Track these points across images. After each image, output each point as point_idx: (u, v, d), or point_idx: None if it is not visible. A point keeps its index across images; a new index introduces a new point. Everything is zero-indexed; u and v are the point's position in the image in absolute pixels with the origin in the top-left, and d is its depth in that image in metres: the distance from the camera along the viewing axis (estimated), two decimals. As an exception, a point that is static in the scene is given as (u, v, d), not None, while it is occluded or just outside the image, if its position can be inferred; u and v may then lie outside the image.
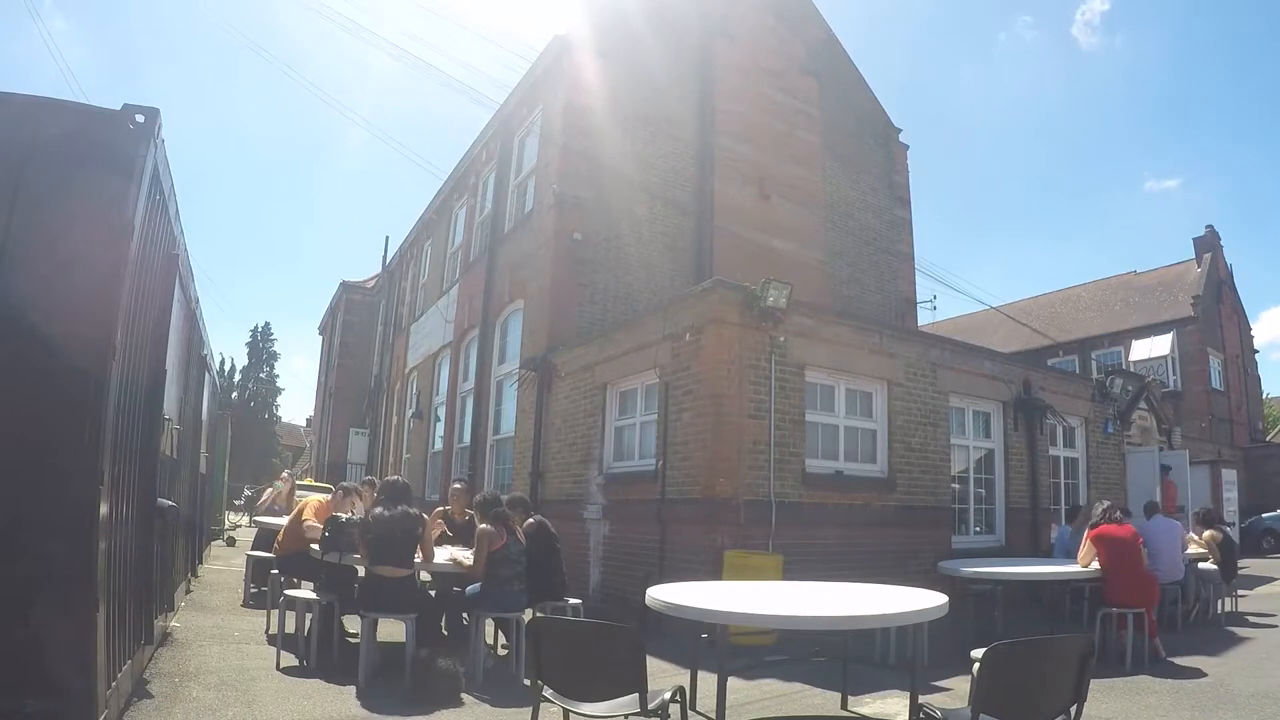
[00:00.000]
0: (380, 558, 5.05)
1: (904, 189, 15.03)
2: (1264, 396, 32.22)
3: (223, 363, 43.91)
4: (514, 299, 12.09)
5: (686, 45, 12.37)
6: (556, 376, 10.11)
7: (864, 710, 4.70)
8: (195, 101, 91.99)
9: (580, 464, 9.25)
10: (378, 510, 5.23)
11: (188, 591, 7.56)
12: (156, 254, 3.97)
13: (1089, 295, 28.32)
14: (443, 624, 6.04)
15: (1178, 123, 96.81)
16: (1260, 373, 29.91)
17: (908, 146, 15.27)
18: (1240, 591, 9.06)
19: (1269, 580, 11.84)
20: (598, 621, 3.78)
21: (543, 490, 9.89)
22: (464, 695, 4.71)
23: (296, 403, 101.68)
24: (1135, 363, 23.12)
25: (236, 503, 23.30)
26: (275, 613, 6.01)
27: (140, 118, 3.21)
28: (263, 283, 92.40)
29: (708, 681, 4.18)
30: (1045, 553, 9.14)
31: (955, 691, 4.92)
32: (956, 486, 9.19)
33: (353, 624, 5.75)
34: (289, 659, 5.34)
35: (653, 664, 3.43)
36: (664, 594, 3.98)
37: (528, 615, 5.04)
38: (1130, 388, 12.80)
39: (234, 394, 45.43)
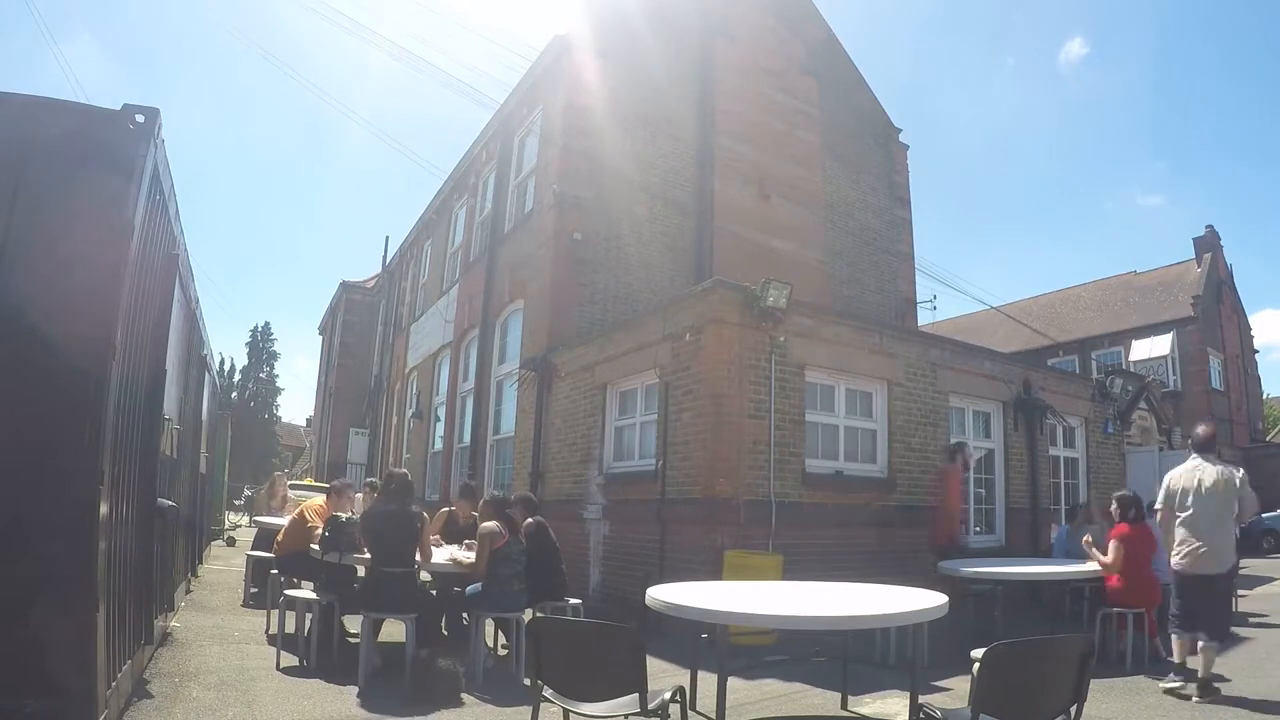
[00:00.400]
0: (380, 555, 5.05)
1: (904, 189, 15.03)
2: (1264, 396, 32.23)
3: (223, 363, 43.95)
4: (514, 299, 12.09)
5: (686, 45, 12.37)
6: (556, 376, 10.11)
7: (864, 710, 4.70)
8: (195, 101, 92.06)
9: (580, 464, 9.25)
10: (379, 506, 5.23)
11: (188, 591, 7.55)
12: (156, 254, 3.97)
13: (1089, 295, 28.33)
14: (443, 624, 6.04)
15: (1168, 135, 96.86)
16: (1260, 373, 29.95)
17: (908, 146, 15.27)
18: (1240, 591, 9.04)
19: (1269, 580, 11.84)
20: (598, 621, 3.78)
21: (543, 490, 9.88)
22: (464, 695, 4.71)
23: (296, 403, 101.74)
24: (1135, 363, 23.13)
25: (236, 503, 23.31)
26: (275, 613, 6.01)
27: (140, 118, 3.21)
28: (263, 283, 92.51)
29: (708, 681, 4.18)
30: (1045, 553, 9.13)
31: (955, 691, 4.92)
32: (956, 486, 9.18)
33: (353, 624, 5.75)
34: (289, 659, 5.34)
35: (653, 664, 3.43)
36: (664, 594, 3.98)
37: (528, 615, 5.04)
38: (1130, 388, 12.80)
39: (234, 394, 45.46)
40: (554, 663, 3.21)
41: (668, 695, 3.22)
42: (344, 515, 5.94)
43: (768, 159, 12.89)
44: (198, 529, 9.07)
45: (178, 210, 4.42)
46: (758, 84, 13.10)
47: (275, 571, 6.56)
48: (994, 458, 9.68)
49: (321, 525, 6.31)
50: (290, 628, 5.66)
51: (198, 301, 6.71)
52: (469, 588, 5.60)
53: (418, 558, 5.32)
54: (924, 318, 16.15)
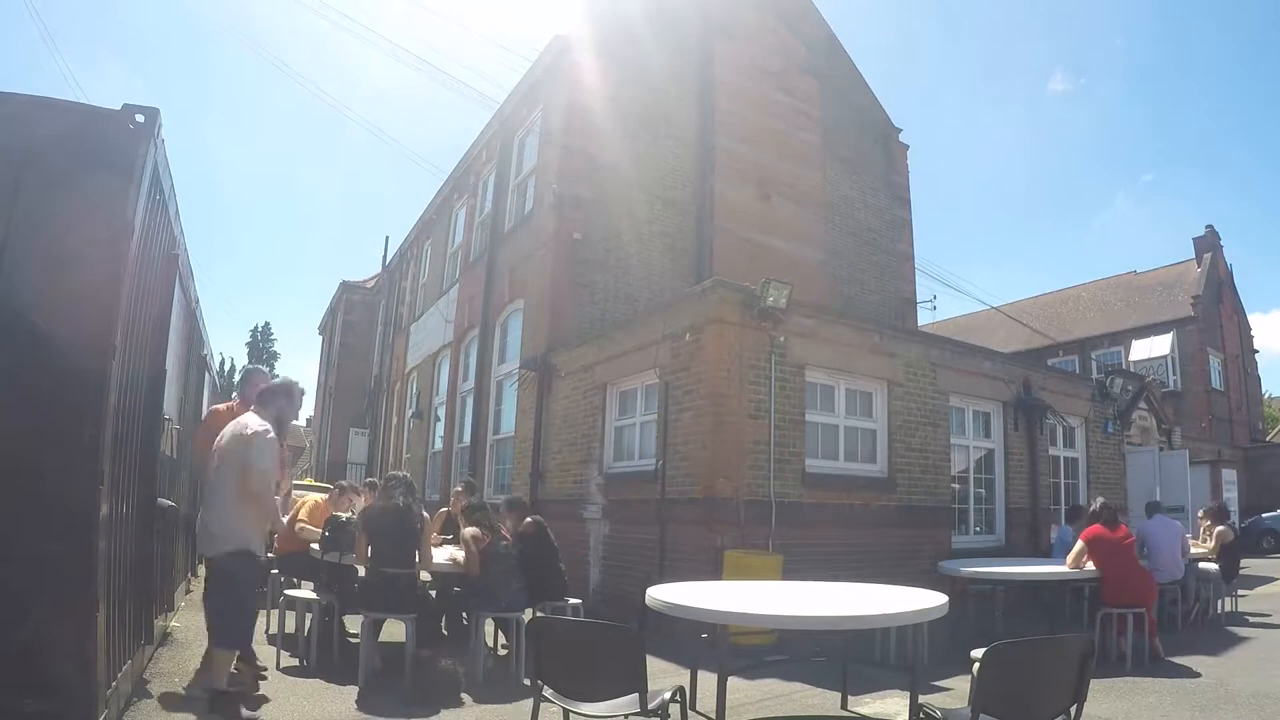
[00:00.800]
0: (381, 555, 5.05)
1: (904, 189, 15.03)
2: (1264, 396, 32.23)
3: (223, 363, 43.92)
4: (514, 299, 12.09)
5: (686, 45, 12.37)
6: (556, 376, 10.11)
7: (864, 710, 4.70)
8: (195, 101, 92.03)
9: (580, 464, 9.25)
10: (379, 506, 5.23)
11: (188, 591, 7.55)
12: (156, 254, 3.97)
13: (1089, 295, 28.33)
14: (443, 624, 6.05)
15: (1167, 137, 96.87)
16: (1260, 373, 29.94)
17: (908, 146, 15.27)
18: (1240, 591, 9.06)
19: (1269, 580, 11.84)
20: (598, 621, 3.78)
21: (543, 490, 9.89)
22: (464, 695, 4.72)
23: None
24: (1135, 363, 23.14)
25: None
26: (275, 613, 6.01)
27: (140, 117, 3.22)
28: (263, 283, 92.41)
29: (708, 681, 4.18)
30: (1045, 553, 9.14)
31: (955, 691, 4.92)
32: (956, 486, 9.20)
33: (353, 624, 5.75)
34: (289, 659, 5.34)
35: (653, 664, 3.43)
36: (664, 594, 3.98)
37: (528, 615, 5.04)
38: (1130, 388, 12.82)
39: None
40: (554, 663, 3.21)
41: (668, 695, 3.22)
42: (344, 515, 5.95)
43: (768, 159, 12.89)
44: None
45: (178, 210, 4.43)
46: (758, 84, 13.10)
47: (275, 571, 6.56)
48: (994, 458, 9.69)
49: (310, 524, 6.32)
50: (290, 628, 5.66)
51: (198, 301, 6.71)
52: (468, 588, 5.60)
53: (417, 559, 5.32)
54: (924, 318, 16.17)
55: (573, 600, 5.97)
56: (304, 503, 6.85)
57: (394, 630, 5.39)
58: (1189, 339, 23.81)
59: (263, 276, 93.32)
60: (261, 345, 50.89)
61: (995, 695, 2.89)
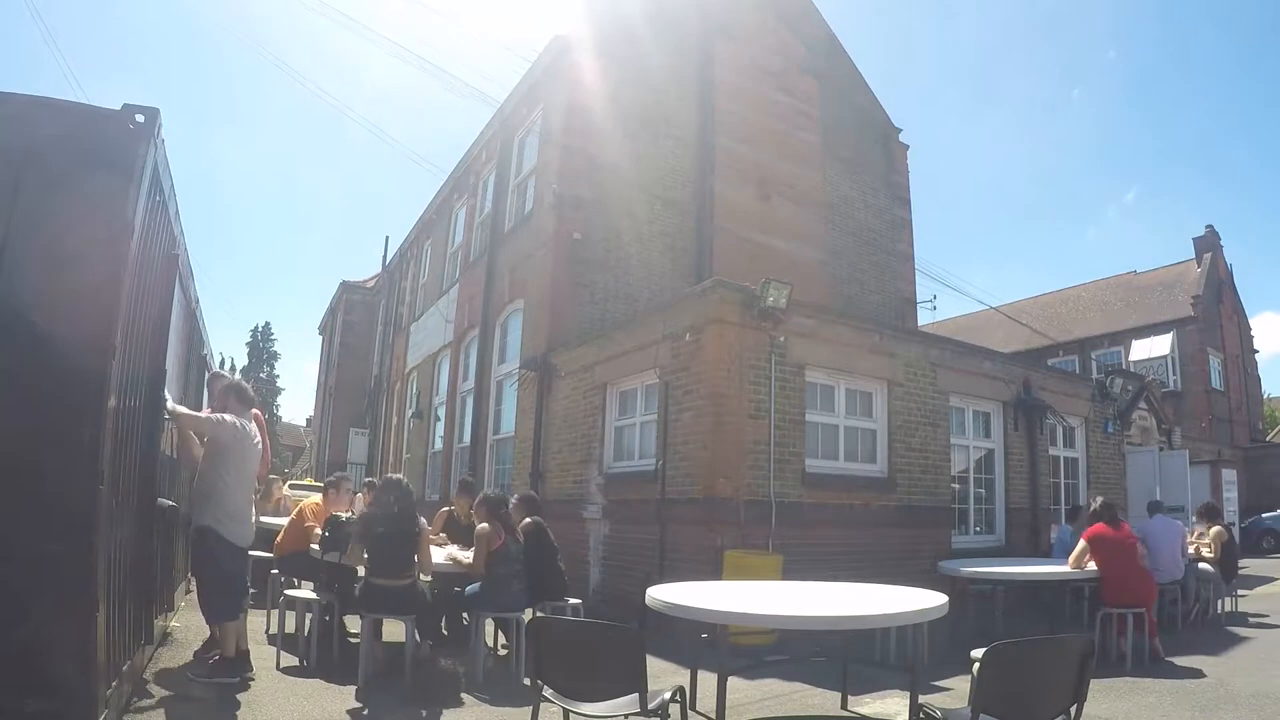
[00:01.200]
0: (378, 567, 4.96)
1: (904, 189, 15.02)
2: (1264, 396, 32.22)
3: (223, 363, 43.88)
4: (514, 299, 12.09)
5: (686, 45, 12.37)
6: (556, 376, 10.11)
7: (864, 710, 4.70)
8: (195, 101, 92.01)
9: (580, 464, 9.25)
10: (375, 514, 5.10)
11: (188, 591, 7.55)
12: (156, 254, 3.97)
13: (1089, 295, 28.33)
14: (443, 624, 6.05)
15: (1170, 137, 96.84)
16: (1260, 373, 29.94)
17: (908, 146, 15.26)
18: (1240, 591, 9.06)
19: (1269, 580, 11.84)
20: (598, 621, 3.78)
21: (543, 490, 9.88)
22: (464, 695, 4.72)
23: (296, 403, 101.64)
24: (1135, 363, 23.13)
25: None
26: (275, 613, 6.01)
27: (140, 118, 3.21)
28: (263, 283, 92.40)
29: (708, 681, 4.18)
30: (1045, 553, 9.14)
31: (955, 691, 4.92)
32: (956, 486, 9.19)
33: (353, 624, 5.75)
34: (289, 659, 5.34)
35: (653, 664, 3.44)
36: (664, 594, 3.98)
37: (528, 615, 5.04)
38: (1130, 388, 12.82)
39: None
40: (554, 663, 3.21)
41: (668, 695, 3.22)
42: (343, 514, 5.94)
43: (768, 159, 12.89)
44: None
45: (178, 210, 4.43)
46: (758, 84, 13.10)
47: (275, 571, 6.56)
48: (994, 458, 9.68)
49: (317, 524, 6.32)
50: (290, 628, 5.66)
51: (198, 301, 6.71)
52: (469, 587, 5.60)
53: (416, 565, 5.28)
54: (924, 318, 16.16)
55: (573, 600, 5.96)
56: (305, 504, 6.84)
57: (394, 630, 5.38)
58: (1189, 339, 23.81)
59: (263, 276, 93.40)
60: (261, 345, 50.84)
61: (995, 695, 2.89)
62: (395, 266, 22.37)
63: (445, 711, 4.43)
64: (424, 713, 4.38)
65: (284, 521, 7.07)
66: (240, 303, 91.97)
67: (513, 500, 6.05)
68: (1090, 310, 27.36)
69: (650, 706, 3.08)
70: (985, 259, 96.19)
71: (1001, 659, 2.90)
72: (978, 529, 9.48)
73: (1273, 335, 59.82)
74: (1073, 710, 2.94)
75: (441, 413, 15.21)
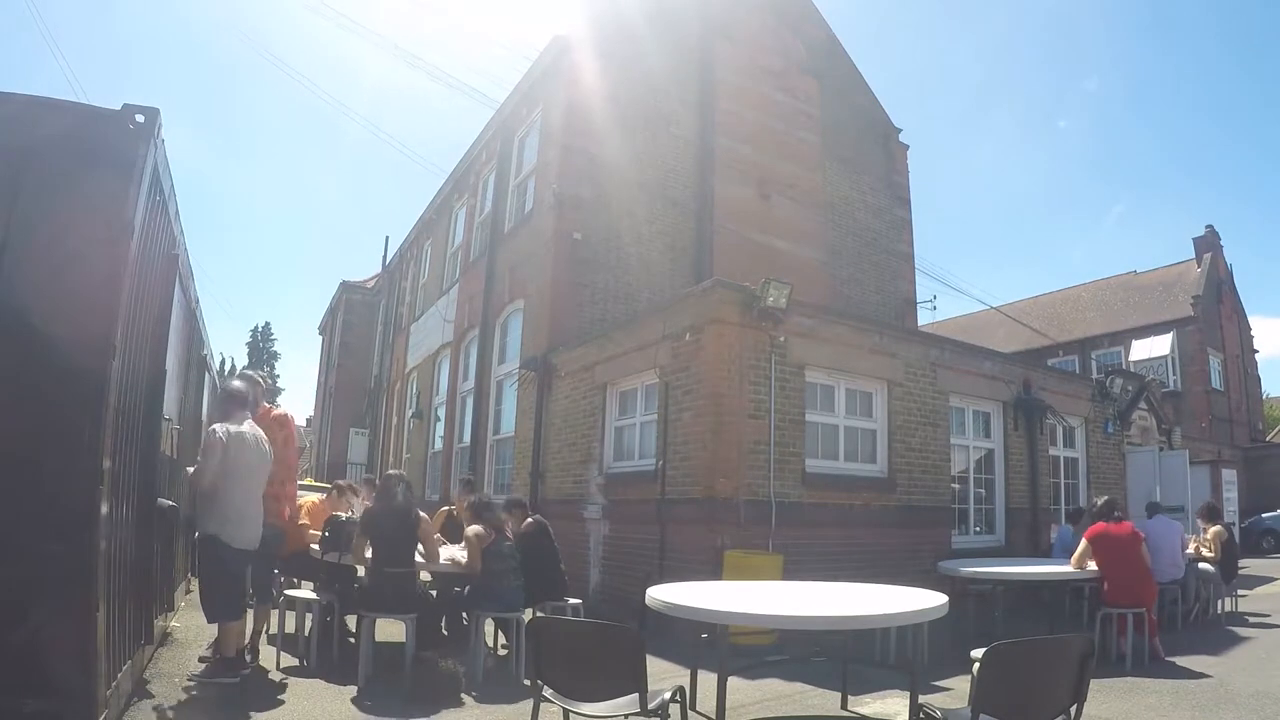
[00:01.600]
0: (381, 556, 5.05)
1: (904, 189, 15.02)
2: (1264, 396, 32.22)
3: (223, 363, 43.89)
4: (514, 299, 12.09)
5: (686, 45, 12.37)
6: (556, 376, 10.11)
7: (864, 710, 4.70)
8: (195, 101, 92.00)
9: (580, 464, 9.25)
10: (379, 508, 5.22)
11: (188, 591, 7.55)
12: (156, 254, 3.97)
13: (1089, 295, 28.33)
14: (443, 624, 6.05)
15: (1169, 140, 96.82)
16: (1260, 373, 29.93)
17: (908, 146, 15.26)
18: (1240, 591, 9.06)
19: (1269, 580, 11.84)
20: (598, 621, 3.78)
21: (543, 490, 9.89)
22: (464, 695, 4.72)
23: (296, 403, 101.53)
24: (1135, 363, 23.14)
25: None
26: (275, 613, 6.01)
27: (140, 118, 3.21)
28: (263, 283, 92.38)
29: (708, 681, 4.18)
30: (1045, 553, 9.14)
31: (955, 691, 4.92)
32: (956, 486, 9.20)
33: (354, 624, 5.74)
34: (289, 659, 5.34)
35: (653, 664, 3.43)
36: (664, 594, 3.98)
37: (527, 615, 5.04)
38: (1130, 388, 12.81)
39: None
40: (554, 663, 3.21)
41: (668, 695, 3.22)
42: (344, 515, 5.95)
43: (768, 159, 12.89)
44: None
45: (178, 210, 4.43)
46: (758, 84, 13.10)
47: (275, 571, 6.55)
48: (994, 458, 9.68)
49: (312, 524, 6.32)
50: (290, 628, 5.66)
51: (198, 301, 6.71)
52: (468, 587, 5.60)
53: (419, 558, 5.32)
54: (924, 318, 16.17)
55: (573, 600, 5.97)
56: (302, 504, 6.84)
57: (394, 630, 5.39)
58: (1189, 339, 23.82)
59: (263, 276, 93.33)
60: (261, 345, 50.87)
61: (995, 695, 2.89)
62: (395, 266, 22.37)
63: (445, 711, 4.43)
64: (424, 713, 4.38)
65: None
66: (240, 303, 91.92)
67: (500, 501, 6.08)
68: (1090, 310, 27.37)
69: (650, 706, 3.08)
70: (985, 259, 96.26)
71: (1001, 659, 2.90)
72: (978, 529, 9.48)
73: (1267, 340, 59.99)
74: (1073, 710, 2.94)
75: (441, 413, 15.22)
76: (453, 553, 5.82)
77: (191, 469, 5.20)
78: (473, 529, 5.46)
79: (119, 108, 3.22)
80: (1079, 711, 2.95)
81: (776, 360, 7.46)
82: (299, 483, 14.97)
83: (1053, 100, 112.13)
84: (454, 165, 16.34)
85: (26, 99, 3.14)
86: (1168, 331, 23.98)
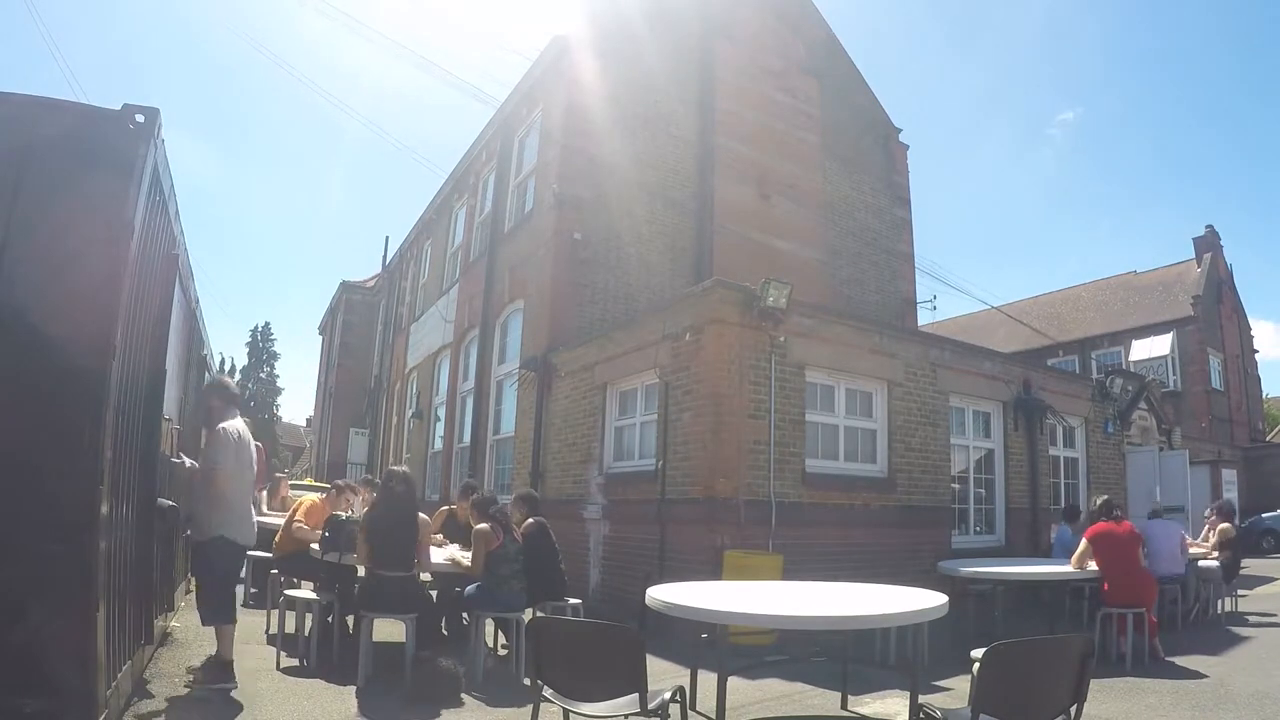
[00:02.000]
0: (380, 559, 5.04)
1: (904, 189, 15.02)
2: (1264, 396, 32.21)
3: (223, 363, 43.86)
4: (514, 299, 12.09)
5: (686, 45, 12.37)
6: (556, 376, 10.11)
7: (864, 710, 4.70)
8: (195, 101, 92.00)
9: (580, 464, 9.25)
10: (380, 510, 5.20)
11: (188, 591, 7.54)
12: (156, 254, 3.97)
13: (1089, 295, 28.32)
14: (443, 624, 6.04)
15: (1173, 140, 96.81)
16: (1260, 373, 29.92)
17: (908, 146, 15.26)
18: (1240, 591, 9.06)
19: (1269, 580, 11.84)
20: (598, 621, 3.78)
21: (543, 490, 9.87)
22: (464, 695, 4.71)
23: (296, 403, 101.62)
24: (1135, 363, 23.13)
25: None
26: (275, 613, 6.01)
27: (140, 118, 3.21)
28: (263, 283, 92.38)
29: (708, 681, 4.18)
30: (1045, 553, 9.14)
31: (955, 691, 4.92)
32: (956, 486, 9.20)
33: (354, 624, 5.74)
34: (289, 659, 5.34)
35: (653, 664, 3.43)
36: (664, 594, 3.98)
37: (528, 615, 5.04)
38: (1130, 388, 12.82)
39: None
40: (554, 663, 3.21)
41: (668, 695, 3.22)
42: (343, 514, 5.94)
43: (768, 159, 12.89)
44: (191, 528, 9.04)
45: (178, 210, 4.43)
46: (758, 84, 13.10)
47: (275, 571, 6.56)
48: (994, 458, 9.68)
49: (307, 523, 6.32)
50: (290, 628, 5.66)
51: (198, 301, 6.71)
52: (468, 588, 5.60)
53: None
54: (924, 318, 16.16)
55: (573, 600, 5.96)
56: (300, 503, 6.85)
57: (394, 630, 5.39)
58: (1189, 339, 23.81)
59: (263, 276, 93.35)
60: (261, 345, 50.76)
61: (995, 695, 2.89)
62: (395, 266, 22.37)
63: (445, 711, 4.43)
64: (424, 713, 4.38)
65: (283, 521, 7.07)
66: (240, 303, 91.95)
67: (510, 498, 6.05)
68: (1090, 310, 27.36)
69: (650, 706, 3.08)
70: (985, 259, 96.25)
71: (1001, 659, 2.90)
72: (978, 529, 9.48)
73: (1266, 343, 59.83)
74: (1073, 710, 2.94)
75: (441, 413, 15.22)
76: (454, 553, 5.82)
77: (190, 462, 5.24)
78: (481, 527, 5.41)
79: (119, 108, 3.22)
80: (1079, 711, 2.95)
81: (776, 360, 7.45)
82: (299, 483, 14.97)
83: (1053, 101, 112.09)
84: (454, 165, 16.35)
85: (26, 99, 3.14)
86: (1168, 331, 23.97)
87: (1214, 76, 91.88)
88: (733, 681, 4.02)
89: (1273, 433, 31.40)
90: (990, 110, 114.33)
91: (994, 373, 9.77)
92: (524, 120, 12.90)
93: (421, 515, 5.32)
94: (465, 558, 5.58)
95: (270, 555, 6.81)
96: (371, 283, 26.22)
